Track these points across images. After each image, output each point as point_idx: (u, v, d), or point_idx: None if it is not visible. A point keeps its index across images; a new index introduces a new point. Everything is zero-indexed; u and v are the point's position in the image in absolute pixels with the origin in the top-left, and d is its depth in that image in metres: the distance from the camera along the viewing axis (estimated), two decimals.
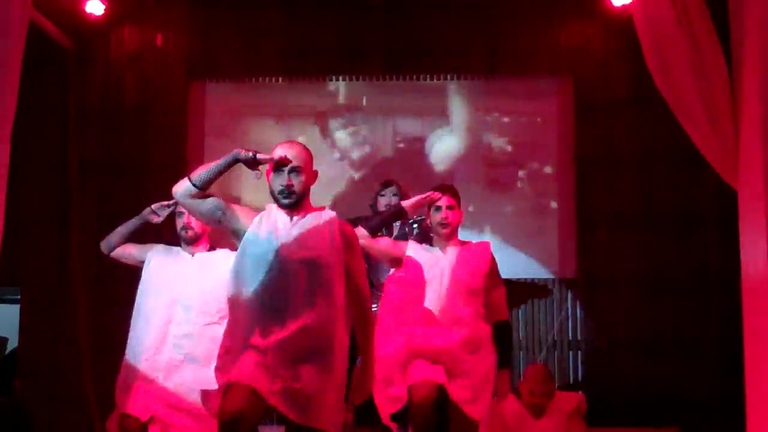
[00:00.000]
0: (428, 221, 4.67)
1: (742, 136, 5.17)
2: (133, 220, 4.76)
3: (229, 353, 3.54)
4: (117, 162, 7.58)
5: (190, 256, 4.67)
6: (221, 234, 4.10)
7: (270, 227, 3.60)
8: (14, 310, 7.75)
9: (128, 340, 4.61)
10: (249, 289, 3.54)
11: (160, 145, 7.64)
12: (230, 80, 7.98)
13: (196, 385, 4.15)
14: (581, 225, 7.58)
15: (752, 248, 5.09)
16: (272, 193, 3.65)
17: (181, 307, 4.52)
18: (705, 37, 5.28)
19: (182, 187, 3.54)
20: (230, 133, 7.94)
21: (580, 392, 6.12)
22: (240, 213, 3.64)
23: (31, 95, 5.90)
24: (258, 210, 3.70)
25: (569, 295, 7.56)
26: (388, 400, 4.44)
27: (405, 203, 4.71)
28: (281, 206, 3.64)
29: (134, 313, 4.64)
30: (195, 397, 4.20)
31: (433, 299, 4.46)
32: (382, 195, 6.28)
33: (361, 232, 4.48)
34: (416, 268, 4.53)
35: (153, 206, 4.73)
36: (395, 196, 6.26)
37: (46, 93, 7.37)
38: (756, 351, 5.03)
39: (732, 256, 5.49)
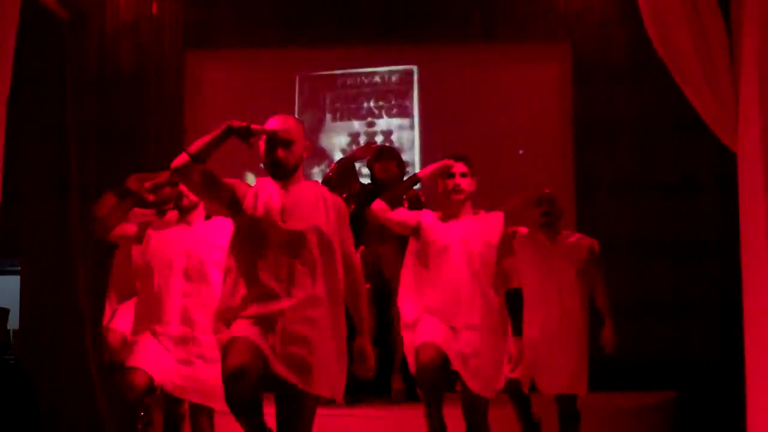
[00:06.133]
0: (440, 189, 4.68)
1: (742, 98, 5.15)
2: (127, 200, 4.55)
3: (228, 314, 3.57)
4: (115, 131, 7.60)
5: (189, 226, 4.55)
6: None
7: (266, 200, 3.64)
8: (15, 281, 7.77)
9: (135, 318, 4.51)
10: (249, 260, 3.57)
11: (158, 113, 7.67)
12: (226, 49, 7.95)
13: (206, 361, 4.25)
14: (580, 189, 7.59)
15: (751, 210, 5.08)
16: (265, 165, 3.71)
17: (188, 280, 4.44)
18: None
19: (181, 162, 3.57)
20: (227, 101, 7.91)
21: None
22: (236, 187, 3.69)
23: (27, 66, 5.88)
24: (249, 184, 3.75)
25: None
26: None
27: (421, 172, 4.73)
28: (274, 178, 3.70)
29: (141, 290, 4.54)
30: (204, 373, 4.27)
31: (448, 268, 4.50)
32: (378, 161, 6.30)
33: (380, 205, 4.53)
34: (432, 237, 4.56)
35: (147, 185, 4.58)
36: (391, 161, 6.29)
37: (43, 64, 7.31)
38: (755, 314, 5.03)
39: (731, 219, 5.49)
